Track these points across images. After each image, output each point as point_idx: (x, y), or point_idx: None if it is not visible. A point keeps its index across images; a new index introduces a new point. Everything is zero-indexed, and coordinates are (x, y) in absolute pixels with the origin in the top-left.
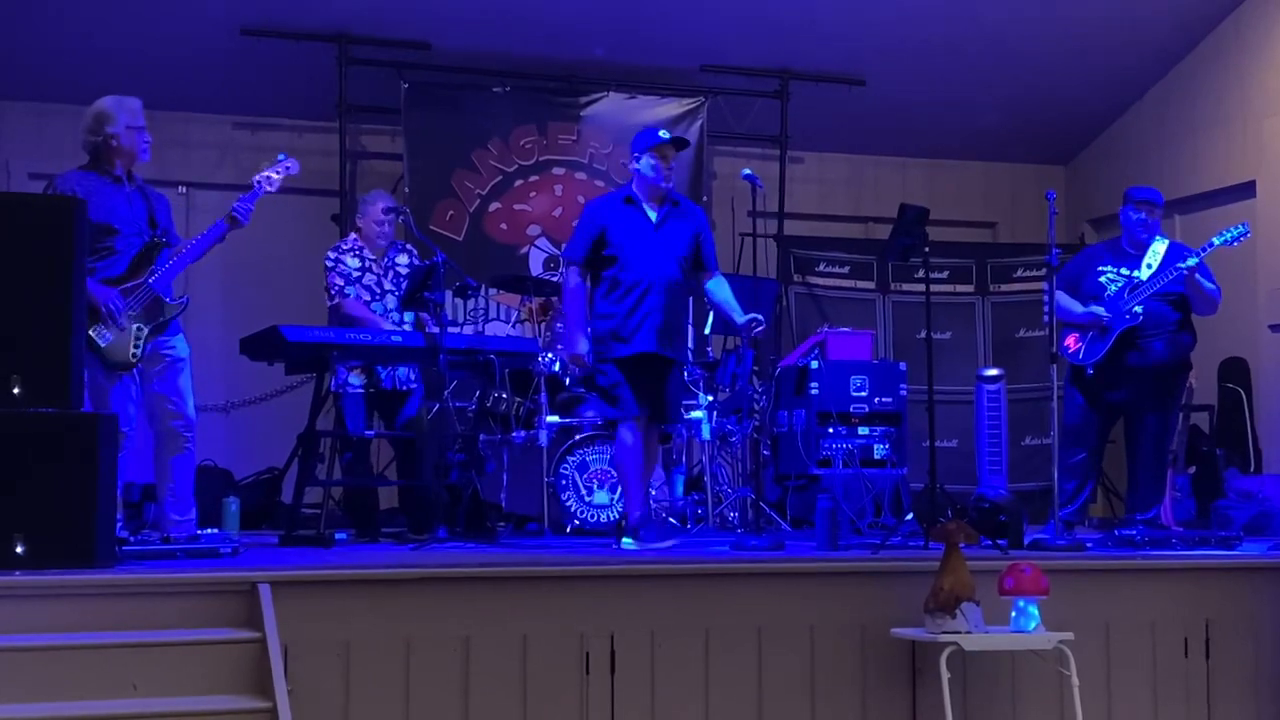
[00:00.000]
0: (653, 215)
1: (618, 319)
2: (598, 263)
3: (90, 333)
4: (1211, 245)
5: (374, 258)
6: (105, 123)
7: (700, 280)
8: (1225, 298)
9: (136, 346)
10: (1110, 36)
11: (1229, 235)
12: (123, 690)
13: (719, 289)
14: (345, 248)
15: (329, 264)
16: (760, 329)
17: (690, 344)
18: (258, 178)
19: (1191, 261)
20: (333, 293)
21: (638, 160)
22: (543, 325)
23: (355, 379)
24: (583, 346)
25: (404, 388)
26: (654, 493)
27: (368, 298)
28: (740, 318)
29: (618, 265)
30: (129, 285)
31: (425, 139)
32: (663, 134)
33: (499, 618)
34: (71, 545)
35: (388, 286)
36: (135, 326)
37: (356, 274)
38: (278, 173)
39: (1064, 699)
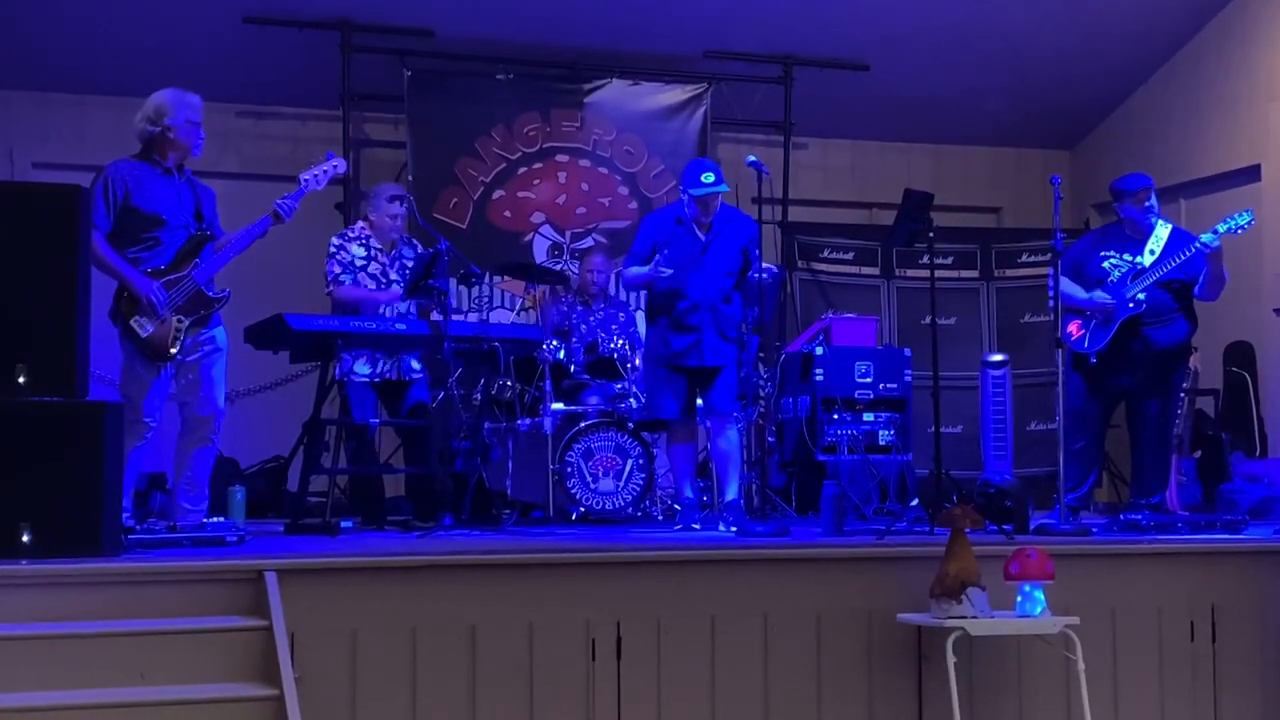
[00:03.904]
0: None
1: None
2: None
3: (131, 323)
4: (1216, 232)
5: (380, 247)
6: (165, 114)
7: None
8: (1231, 282)
9: (176, 339)
10: (1115, 21)
11: (1234, 223)
12: (129, 678)
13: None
14: (351, 235)
15: (331, 250)
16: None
17: None
18: (305, 175)
19: (1207, 237)
20: (328, 279)
21: (683, 194)
22: (542, 307)
23: (361, 367)
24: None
25: (408, 377)
26: (659, 479)
27: (372, 286)
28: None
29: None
30: (172, 277)
31: (428, 126)
32: (705, 178)
33: (505, 605)
34: (77, 534)
35: (393, 277)
36: (176, 319)
37: (361, 261)
38: (325, 171)
39: (1070, 684)
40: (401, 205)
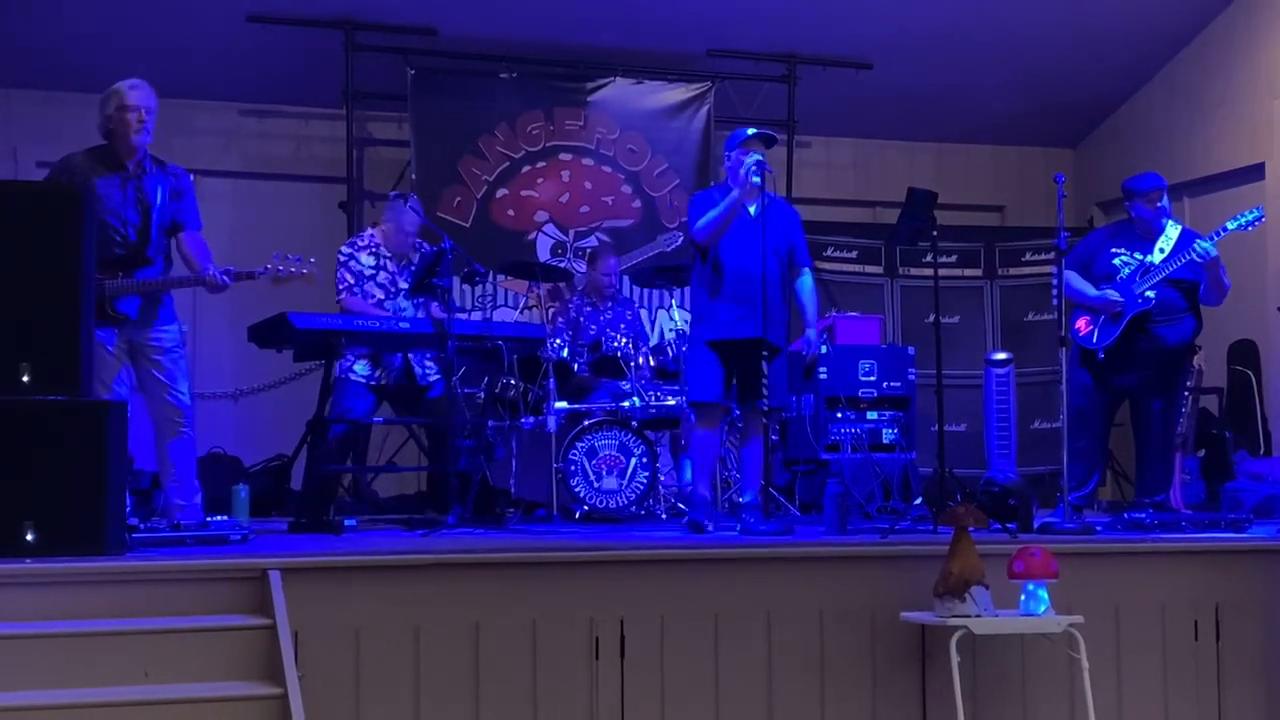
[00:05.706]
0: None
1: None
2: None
3: None
4: (1225, 230)
5: (390, 255)
6: (102, 107)
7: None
8: (1235, 280)
9: None
10: (1119, 18)
11: (1243, 220)
12: (133, 677)
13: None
14: (361, 244)
15: (340, 259)
16: (811, 351)
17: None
18: (276, 261)
19: (1206, 245)
20: (340, 288)
21: (729, 159)
22: (551, 311)
23: (360, 368)
24: None
25: (423, 382)
26: (663, 478)
27: (380, 295)
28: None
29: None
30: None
31: (432, 126)
32: (749, 131)
33: (508, 603)
34: (81, 533)
35: (403, 285)
36: None
37: (370, 271)
38: (292, 269)
39: (1074, 682)
40: (404, 204)
